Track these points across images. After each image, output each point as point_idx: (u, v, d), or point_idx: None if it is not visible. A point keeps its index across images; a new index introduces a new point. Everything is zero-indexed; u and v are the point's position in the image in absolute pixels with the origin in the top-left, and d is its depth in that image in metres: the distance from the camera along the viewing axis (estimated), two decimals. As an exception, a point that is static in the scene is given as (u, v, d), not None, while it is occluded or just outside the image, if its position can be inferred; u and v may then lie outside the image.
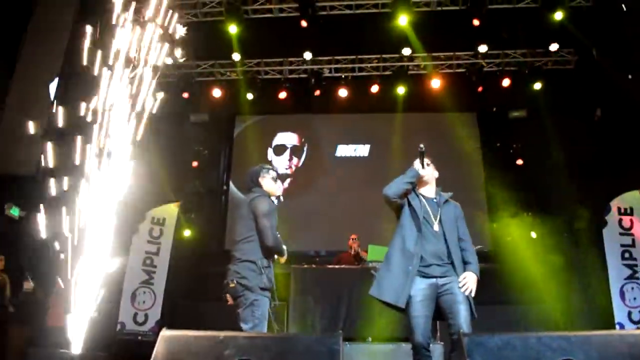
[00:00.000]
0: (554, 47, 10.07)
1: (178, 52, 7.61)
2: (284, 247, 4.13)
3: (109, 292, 7.26)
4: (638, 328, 8.19)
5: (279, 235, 4.11)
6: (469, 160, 10.65)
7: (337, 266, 7.54)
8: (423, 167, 3.69)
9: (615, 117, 10.32)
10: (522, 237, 10.05)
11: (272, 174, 4.32)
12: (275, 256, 4.12)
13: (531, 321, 9.66)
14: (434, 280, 3.47)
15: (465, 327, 3.27)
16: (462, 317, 3.34)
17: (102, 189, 6.03)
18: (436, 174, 3.85)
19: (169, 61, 10.15)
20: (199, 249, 9.98)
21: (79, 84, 7.34)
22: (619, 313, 8.33)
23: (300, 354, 2.37)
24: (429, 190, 3.78)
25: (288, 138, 11.67)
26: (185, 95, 10.66)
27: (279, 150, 11.59)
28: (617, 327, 8.27)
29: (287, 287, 6.78)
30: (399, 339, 6.06)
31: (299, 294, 6.64)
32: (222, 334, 2.42)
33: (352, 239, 8.10)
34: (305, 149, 11.50)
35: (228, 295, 3.94)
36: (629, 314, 8.36)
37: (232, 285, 3.84)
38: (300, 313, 6.53)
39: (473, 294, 3.48)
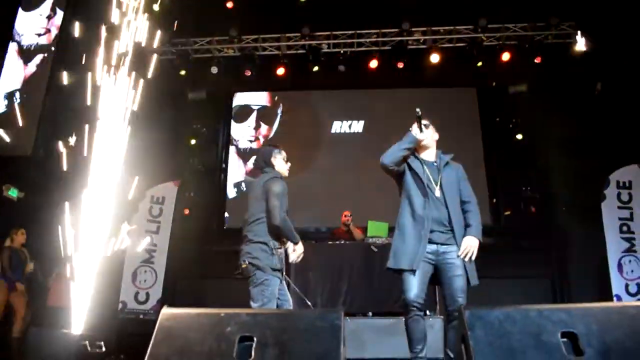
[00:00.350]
0: (554, 20, 9.96)
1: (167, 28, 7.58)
2: (297, 234, 4.08)
3: (110, 271, 7.31)
4: (639, 300, 8.26)
5: (286, 219, 4.05)
6: (468, 136, 10.59)
7: (337, 242, 7.54)
8: (421, 131, 3.59)
9: (615, 91, 10.25)
10: (521, 212, 10.08)
11: (284, 154, 4.38)
12: (290, 244, 4.10)
13: (532, 295, 9.78)
14: (435, 246, 3.43)
15: (462, 298, 3.31)
16: (459, 288, 3.34)
17: (100, 167, 6.02)
18: (436, 136, 3.75)
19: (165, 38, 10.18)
20: (199, 227, 9.96)
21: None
22: (617, 285, 8.40)
23: (302, 330, 2.37)
24: (429, 154, 3.69)
25: (254, 98, 11.37)
26: (183, 72, 10.55)
27: (242, 114, 11.22)
28: (615, 299, 8.35)
29: (287, 264, 6.79)
30: (400, 314, 6.09)
31: (299, 271, 6.65)
32: (223, 310, 2.42)
33: (345, 215, 8.12)
34: (279, 111, 11.22)
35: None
36: (627, 286, 8.44)
37: (244, 265, 3.90)
38: (301, 289, 6.55)
39: (474, 258, 3.44)
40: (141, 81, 7.02)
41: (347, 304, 6.79)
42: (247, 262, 3.89)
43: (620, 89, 10.04)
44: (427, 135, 3.63)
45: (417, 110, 3.57)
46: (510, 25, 10.39)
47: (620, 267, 8.48)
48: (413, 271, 3.33)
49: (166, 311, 2.47)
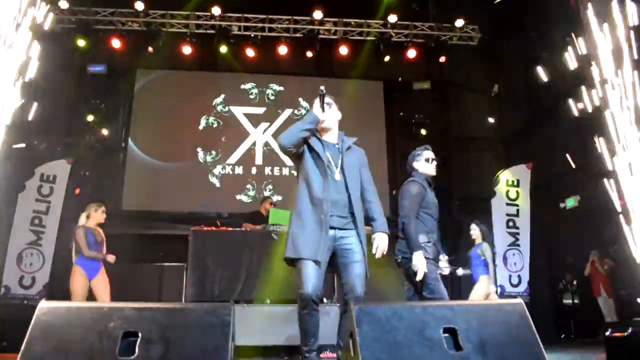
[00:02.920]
0: (459, 22, 10.42)
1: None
2: (417, 242, 3.89)
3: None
4: (515, 295, 8.89)
5: (410, 222, 3.96)
6: (372, 128, 10.88)
7: (236, 229, 7.47)
8: (323, 110, 3.35)
9: (511, 94, 10.94)
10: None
11: (426, 154, 4.29)
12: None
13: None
14: (333, 232, 3.23)
15: (359, 287, 3.17)
16: (358, 275, 3.18)
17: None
18: (339, 116, 3.51)
19: (64, 5, 9.53)
20: (94, 208, 9.48)
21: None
22: (501, 277, 8.98)
23: (190, 326, 2.32)
24: (331, 135, 3.46)
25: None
26: (82, 43, 9.93)
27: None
28: (499, 289, 8.90)
29: (185, 250, 6.65)
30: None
31: (197, 257, 6.54)
32: (106, 304, 2.31)
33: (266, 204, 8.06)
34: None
35: None
36: (510, 277, 9.06)
37: (399, 260, 4.01)
38: (198, 276, 6.45)
39: (385, 252, 3.35)
40: (36, 47, 6.49)
41: (245, 292, 6.77)
42: (400, 258, 3.99)
43: (516, 92, 10.74)
44: (330, 115, 3.40)
45: (322, 88, 3.32)
46: (418, 23, 10.76)
47: (505, 259, 9.08)
48: (316, 261, 3.09)
49: (44, 305, 2.33)
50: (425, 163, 4.27)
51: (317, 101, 3.38)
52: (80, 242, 5.61)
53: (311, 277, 3.08)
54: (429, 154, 4.30)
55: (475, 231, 6.85)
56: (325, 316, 4.57)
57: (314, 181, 3.25)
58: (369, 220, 3.40)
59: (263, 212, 7.82)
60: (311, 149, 3.32)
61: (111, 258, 5.76)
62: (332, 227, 3.22)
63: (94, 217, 5.84)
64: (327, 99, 3.38)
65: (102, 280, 5.71)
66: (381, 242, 3.32)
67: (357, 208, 3.30)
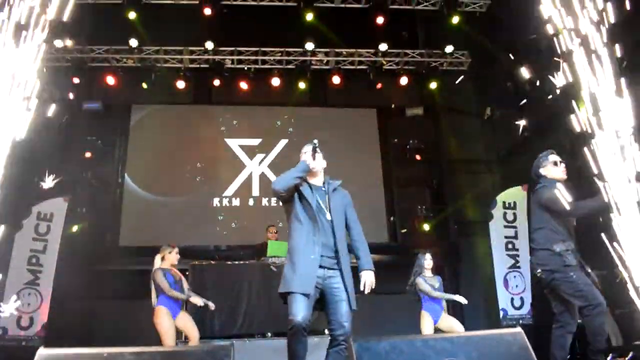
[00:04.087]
0: (449, 48, 10.57)
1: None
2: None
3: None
4: (519, 318, 8.81)
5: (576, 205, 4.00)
6: (367, 156, 10.94)
7: (236, 262, 7.45)
8: (314, 159, 3.69)
9: (503, 116, 11.02)
10: (416, 230, 10.52)
11: (552, 158, 4.21)
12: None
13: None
14: (323, 271, 3.49)
15: (346, 324, 3.30)
16: (344, 313, 3.36)
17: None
18: (324, 164, 3.82)
19: (59, 44, 9.63)
20: (92, 245, 9.45)
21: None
22: (503, 300, 8.94)
23: (190, 368, 2.31)
24: (317, 179, 3.79)
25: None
26: (76, 80, 10.02)
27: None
28: (501, 312, 8.89)
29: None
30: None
31: (197, 292, 6.49)
32: (106, 350, 2.30)
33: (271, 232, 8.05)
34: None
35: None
36: (512, 300, 9.00)
37: (539, 275, 4.00)
38: (198, 312, 6.39)
39: (373, 287, 3.56)
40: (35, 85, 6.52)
41: (245, 325, 6.72)
42: (540, 271, 3.97)
43: (509, 115, 10.81)
44: (319, 163, 3.72)
45: (315, 141, 3.70)
46: (409, 51, 10.91)
47: (506, 282, 9.03)
48: (305, 295, 3.36)
49: (43, 352, 2.31)
50: (553, 167, 4.19)
51: (308, 151, 3.73)
52: (161, 284, 5.59)
53: (301, 308, 3.32)
54: (554, 157, 4.24)
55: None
56: (316, 349, 4.46)
57: (306, 225, 3.57)
58: (355, 258, 3.66)
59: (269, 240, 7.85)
60: (301, 195, 3.64)
61: (197, 300, 5.71)
62: (322, 267, 3.49)
63: (168, 258, 5.88)
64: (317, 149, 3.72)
65: (186, 317, 5.78)
66: (368, 279, 3.56)
67: (341, 247, 3.57)
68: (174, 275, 5.79)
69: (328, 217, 3.61)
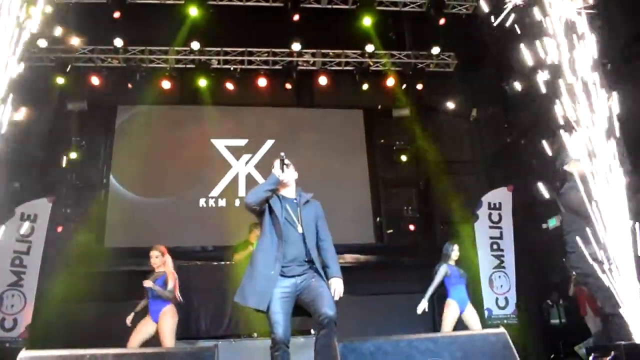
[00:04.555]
0: (435, 50, 10.63)
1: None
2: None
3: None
4: (503, 318, 8.90)
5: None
6: (354, 157, 10.97)
7: (222, 262, 7.43)
8: (283, 171, 3.76)
9: (489, 117, 11.13)
10: (403, 231, 10.57)
11: (574, 154, 4.04)
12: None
13: (412, 309, 10.25)
14: (293, 279, 3.59)
15: (330, 308, 3.38)
16: (325, 299, 3.45)
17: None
18: (295, 175, 3.92)
19: (43, 43, 9.53)
20: (77, 246, 9.37)
21: None
22: (488, 299, 9.01)
23: (173, 370, 2.31)
24: (289, 192, 3.87)
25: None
26: (61, 80, 9.94)
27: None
28: (486, 312, 8.95)
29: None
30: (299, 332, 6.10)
31: (182, 293, 6.45)
32: (88, 352, 2.29)
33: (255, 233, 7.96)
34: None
35: None
36: (496, 300, 9.09)
37: (574, 277, 4.03)
38: (184, 313, 6.36)
39: (342, 294, 3.62)
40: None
41: (232, 326, 6.71)
42: (574, 274, 4.00)
43: (496, 116, 10.92)
44: (288, 175, 3.81)
45: (282, 154, 3.77)
46: (395, 52, 10.95)
47: (491, 282, 9.11)
48: (264, 311, 3.46)
49: (25, 355, 2.30)
50: (576, 163, 4.02)
51: (277, 164, 3.80)
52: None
53: (280, 323, 3.42)
54: (575, 153, 4.07)
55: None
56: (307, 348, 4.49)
57: (270, 240, 3.66)
58: (324, 267, 3.74)
59: (252, 241, 7.76)
60: (271, 209, 3.74)
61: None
62: (292, 276, 3.60)
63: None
64: (286, 161, 3.80)
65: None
66: (337, 286, 3.63)
67: (314, 256, 3.69)
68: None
69: (299, 229, 3.70)
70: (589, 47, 3.86)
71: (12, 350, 7.62)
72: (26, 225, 8.48)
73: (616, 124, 3.70)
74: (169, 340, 5.27)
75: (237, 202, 10.43)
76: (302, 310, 3.62)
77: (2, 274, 8.16)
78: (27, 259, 8.36)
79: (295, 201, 3.84)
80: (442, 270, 6.53)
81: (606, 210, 3.56)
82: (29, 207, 8.62)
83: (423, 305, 6.41)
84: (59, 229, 9.28)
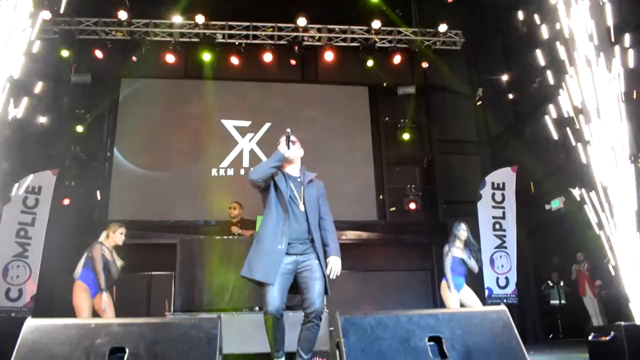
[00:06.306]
0: (442, 27, 10.52)
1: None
2: None
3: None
4: (503, 297, 8.96)
5: None
6: (358, 134, 10.94)
7: (224, 237, 7.44)
8: (289, 148, 3.74)
9: (495, 97, 11.06)
10: (404, 209, 10.60)
11: None
12: None
13: (413, 286, 10.38)
14: (295, 257, 3.63)
15: (318, 302, 3.53)
16: (316, 292, 3.55)
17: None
18: (301, 153, 3.92)
19: (47, 15, 9.47)
20: (81, 219, 9.44)
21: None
22: (488, 279, 9.05)
23: (177, 340, 2.34)
24: (293, 169, 3.87)
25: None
26: (65, 53, 9.91)
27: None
28: (487, 291, 9.01)
29: (173, 259, 6.61)
30: (287, 308, 6.14)
31: (185, 266, 6.51)
32: (93, 321, 2.32)
33: (233, 207, 7.98)
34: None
35: None
36: (497, 279, 9.13)
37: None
38: (186, 286, 6.42)
39: (339, 273, 3.71)
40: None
41: (234, 300, 6.75)
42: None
43: (500, 96, 10.85)
44: (294, 152, 3.79)
45: (288, 130, 3.73)
46: (402, 29, 10.84)
47: (492, 262, 9.14)
48: (273, 284, 3.50)
49: (30, 323, 2.33)
50: None
51: (283, 140, 3.79)
52: (96, 262, 5.51)
53: (274, 298, 3.50)
54: None
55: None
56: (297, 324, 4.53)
57: (278, 215, 3.68)
58: (324, 245, 3.81)
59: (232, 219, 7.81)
60: (276, 186, 3.74)
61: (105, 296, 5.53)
62: (294, 254, 3.64)
63: (112, 237, 5.83)
64: (292, 138, 3.76)
65: (106, 299, 5.55)
66: (334, 265, 3.72)
67: (316, 235, 3.74)
68: (109, 255, 5.70)
69: (302, 207, 3.73)
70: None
71: (18, 320, 7.72)
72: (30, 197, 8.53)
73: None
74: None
75: (242, 172, 10.44)
76: (296, 288, 3.69)
77: (7, 245, 8.23)
78: (31, 230, 8.42)
79: (299, 180, 3.85)
80: (447, 264, 6.45)
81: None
82: (33, 179, 8.65)
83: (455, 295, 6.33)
84: (66, 202, 9.33)
